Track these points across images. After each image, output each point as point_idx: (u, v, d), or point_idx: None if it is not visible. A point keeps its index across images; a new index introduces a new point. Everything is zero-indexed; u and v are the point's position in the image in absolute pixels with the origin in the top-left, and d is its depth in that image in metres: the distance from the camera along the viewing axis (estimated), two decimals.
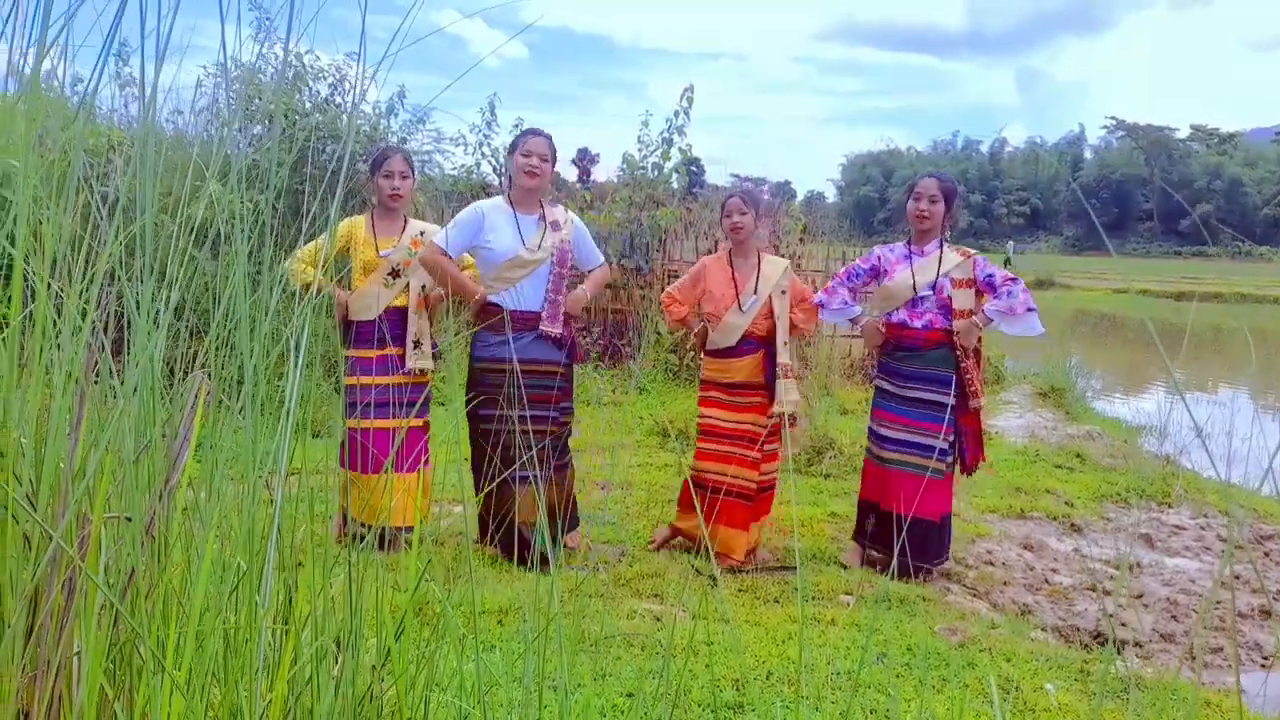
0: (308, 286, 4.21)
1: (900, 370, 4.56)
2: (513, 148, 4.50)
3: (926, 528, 4.48)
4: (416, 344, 4.56)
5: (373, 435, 4.42)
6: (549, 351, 4.40)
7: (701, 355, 4.83)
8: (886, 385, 4.62)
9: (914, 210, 4.54)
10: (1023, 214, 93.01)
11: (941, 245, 4.54)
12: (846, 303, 4.71)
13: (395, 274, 4.51)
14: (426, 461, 4.42)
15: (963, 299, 4.46)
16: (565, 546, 4.52)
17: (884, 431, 4.60)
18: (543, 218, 4.47)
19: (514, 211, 4.45)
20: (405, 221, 4.66)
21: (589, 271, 4.75)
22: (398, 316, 4.55)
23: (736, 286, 4.65)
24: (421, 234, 4.60)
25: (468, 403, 4.35)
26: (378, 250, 4.51)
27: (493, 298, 4.43)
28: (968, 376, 4.47)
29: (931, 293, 4.48)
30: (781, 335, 4.65)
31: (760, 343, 4.67)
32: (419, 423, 4.60)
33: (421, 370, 4.55)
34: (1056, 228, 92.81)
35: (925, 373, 4.48)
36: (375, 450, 4.34)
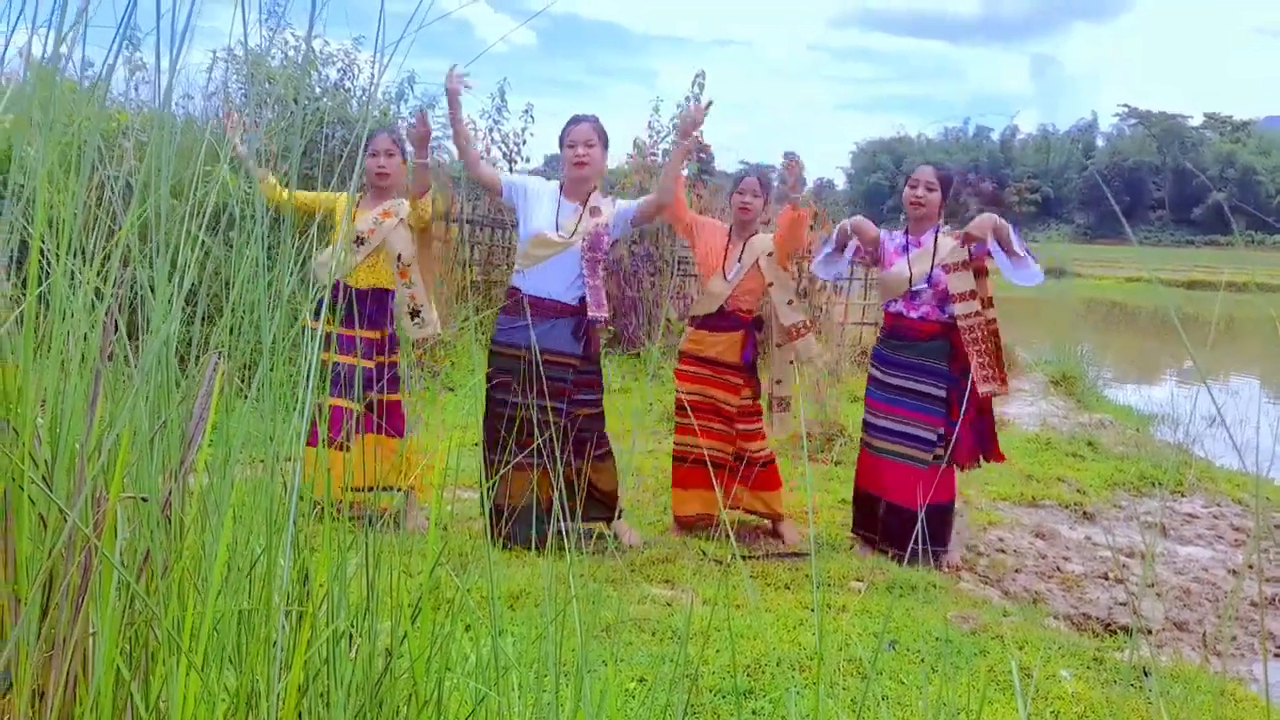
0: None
1: (892, 359, 4.56)
2: (561, 139, 4.42)
3: (914, 518, 4.48)
4: (414, 314, 4.42)
5: (348, 413, 4.30)
6: (565, 343, 4.31)
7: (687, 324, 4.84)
8: (878, 374, 4.62)
9: (909, 197, 4.53)
10: (1034, 202, 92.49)
11: (936, 234, 4.51)
12: (830, 256, 4.63)
13: (360, 240, 4.35)
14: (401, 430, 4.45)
15: (959, 282, 4.40)
16: (615, 537, 4.54)
17: (875, 420, 4.59)
18: (584, 205, 4.40)
19: (560, 196, 4.41)
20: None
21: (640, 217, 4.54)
22: (368, 296, 4.39)
23: (726, 255, 4.66)
24: (396, 204, 4.49)
25: (487, 382, 4.34)
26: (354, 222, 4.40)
27: (515, 279, 4.41)
28: (978, 361, 4.38)
29: (927, 285, 4.45)
30: (782, 295, 4.66)
31: (740, 323, 4.68)
32: (395, 398, 4.52)
33: (426, 336, 4.45)
34: (1068, 216, 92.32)
35: (917, 363, 4.47)
36: (349, 426, 4.23)
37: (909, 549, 4.46)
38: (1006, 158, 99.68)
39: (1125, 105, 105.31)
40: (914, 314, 4.49)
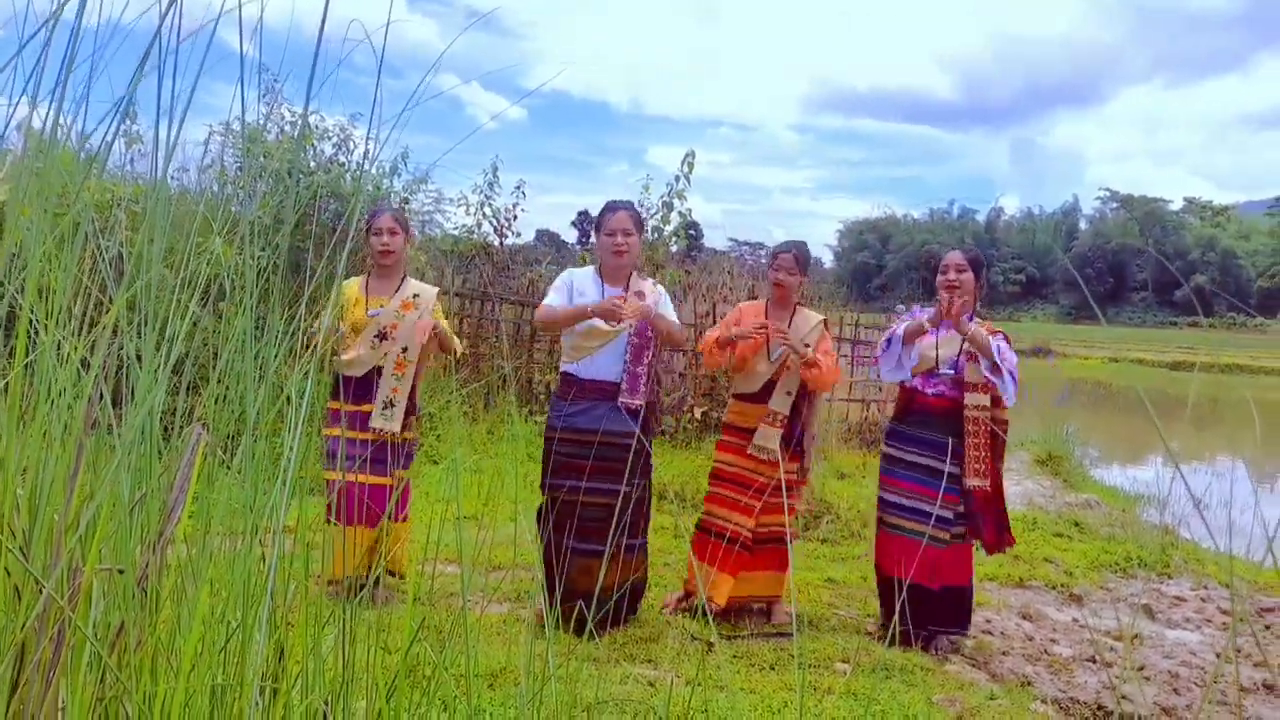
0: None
1: (906, 434, 4.54)
2: (597, 227, 4.49)
3: (929, 596, 4.41)
4: (388, 404, 4.41)
5: (341, 488, 4.25)
6: (623, 423, 4.30)
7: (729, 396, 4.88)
8: (893, 451, 4.58)
9: (942, 283, 4.44)
10: (1019, 282, 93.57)
11: (971, 320, 4.40)
12: (900, 362, 4.61)
13: (382, 336, 4.44)
14: (404, 517, 4.47)
15: (974, 372, 4.37)
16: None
17: (892, 498, 4.54)
18: (627, 289, 4.44)
19: (601, 283, 4.45)
20: (403, 281, 4.62)
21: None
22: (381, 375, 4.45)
23: (768, 335, 4.65)
24: (415, 297, 4.55)
25: (542, 471, 4.35)
26: (367, 309, 4.47)
27: (568, 367, 4.42)
28: (972, 454, 4.35)
29: (951, 370, 4.45)
30: (785, 385, 4.65)
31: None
32: (390, 480, 4.45)
33: (385, 430, 4.39)
34: (1053, 296, 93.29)
35: (930, 438, 4.43)
36: (342, 504, 4.15)
37: (930, 632, 4.42)
38: (991, 238, 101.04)
39: (1106, 189, 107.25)
40: (930, 390, 4.49)
